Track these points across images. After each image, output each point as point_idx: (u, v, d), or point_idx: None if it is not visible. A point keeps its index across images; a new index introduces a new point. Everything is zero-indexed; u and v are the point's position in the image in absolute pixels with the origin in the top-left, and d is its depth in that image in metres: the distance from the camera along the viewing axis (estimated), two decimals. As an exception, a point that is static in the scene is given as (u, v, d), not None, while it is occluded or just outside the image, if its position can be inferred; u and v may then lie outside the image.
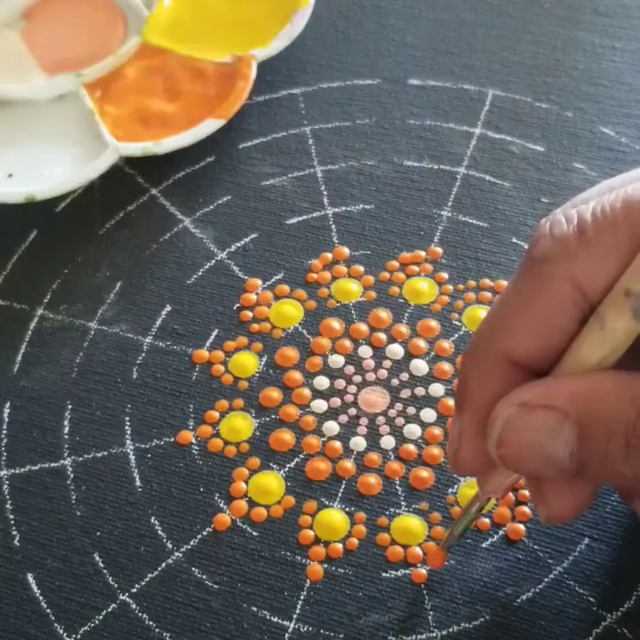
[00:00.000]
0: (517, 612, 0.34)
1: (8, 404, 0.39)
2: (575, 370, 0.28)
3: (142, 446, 0.38)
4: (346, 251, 0.43)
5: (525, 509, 0.35)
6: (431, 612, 0.34)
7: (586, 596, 0.34)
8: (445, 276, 0.42)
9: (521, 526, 0.35)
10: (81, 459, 0.38)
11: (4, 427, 0.39)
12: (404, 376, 0.39)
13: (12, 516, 0.37)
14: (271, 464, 0.37)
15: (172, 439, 0.38)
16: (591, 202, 0.28)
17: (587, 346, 0.27)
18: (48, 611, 0.35)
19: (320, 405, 0.38)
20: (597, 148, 0.45)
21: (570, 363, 0.28)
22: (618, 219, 0.27)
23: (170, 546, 0.36)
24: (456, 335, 0.40)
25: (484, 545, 0.35)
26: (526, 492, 0.36)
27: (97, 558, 0.35)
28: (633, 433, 0.26)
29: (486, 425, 0.28)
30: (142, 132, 0.47)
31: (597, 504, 0.35)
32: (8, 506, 0.37)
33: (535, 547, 0.35)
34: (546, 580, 0.34)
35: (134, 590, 0.35)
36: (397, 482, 0.37)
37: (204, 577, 0.35)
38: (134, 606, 0.34)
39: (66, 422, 0.39)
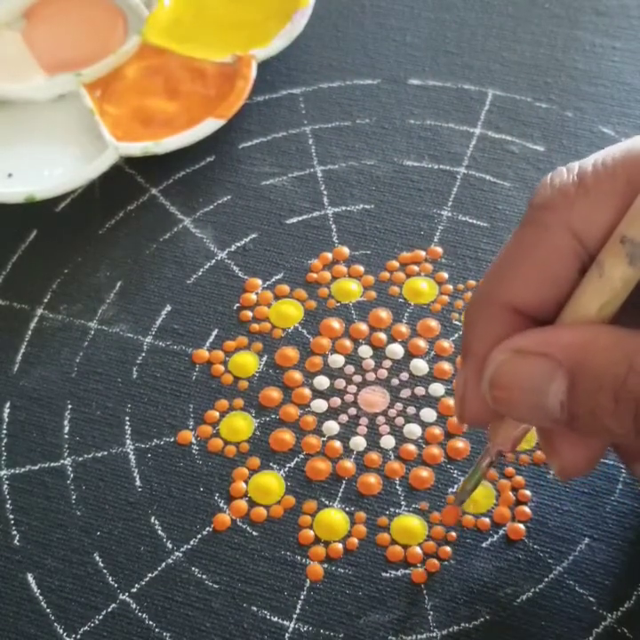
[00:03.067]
0: (517, 611, 0.34)
1: (8, 404, 0.39)
2: (575, 319, 0.28)
3: (142, 446, 0.38)
4: (346, 250, 0.43)
5: (525, 509, 0.35)
6: (431, 612, 0.34)
7: (586, 595, 0.34)
8: (445, 275, 0.42)
9: (521, 526, 0.35)
10: (81, 458, 0.38)
11: (4, 426, 0.39)
12: (404, 376, 0.39)
13: (11, 516, 0.37)
14: (271, 464, 0.37)
15: (172, 439, 0.38)
16: (594, 155, 0.29)
17: (586, 294, 0.28)
18: (48, 610, 0.35)
19: (320, 405, 0.38)
20: (597, 148, 0.44)
21: (570, 312, 0.28)
22: (617, 167, 0.28)
23: (170, 546, 0.36)
24: (456, 335, 0.40)
25: (483, 545, 0.35)
26: (527, 492, 0.36)
27: (97, 558, 0.35)
28: (622, 388, 0.26)
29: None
30: (142, 132, 0.47)
31: (597, 504, 0.35)
32: (8, 506, 0.37)
33: (535, 546, 0.35)
34: (546, 579, 0.34)
35: (134, 590, 0.35)
36: (397, 481, 0.37)
37: (203, 577, 0.35)
38: (134, 606, 0.34)
39: (66, 422, 0.39)
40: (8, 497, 0.37)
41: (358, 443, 0.38)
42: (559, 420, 0.27)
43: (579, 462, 0.30)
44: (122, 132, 0.47)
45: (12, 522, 0.36)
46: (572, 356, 0.27)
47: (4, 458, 0.38)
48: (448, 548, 0.35)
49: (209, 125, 0.46)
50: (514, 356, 0.28)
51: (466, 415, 0.31)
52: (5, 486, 0.37)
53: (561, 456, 0.30)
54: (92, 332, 0.41)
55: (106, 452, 0.38)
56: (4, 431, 0.39)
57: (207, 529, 0.36)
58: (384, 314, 0.41)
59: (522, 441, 0.31)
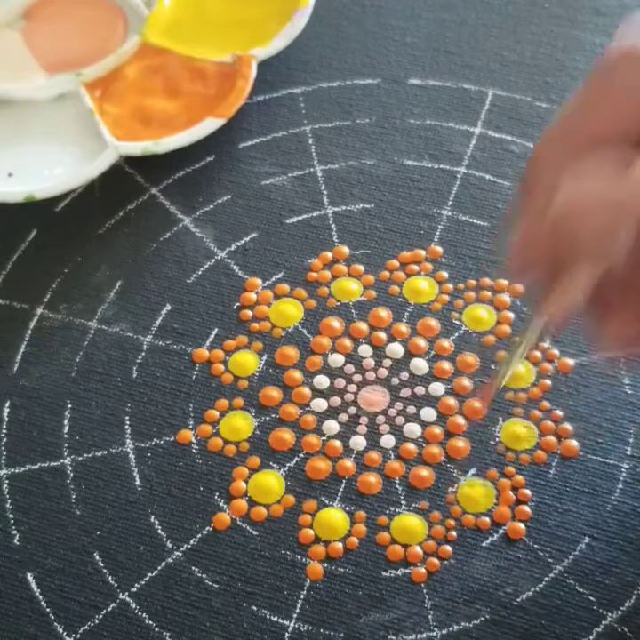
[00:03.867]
0: (518, 611, 0.33)
1: (8, 403, 0.39)
2: None
3: (142, 445, 0.38)
4: (346, 250, 0.43)
5: (525, 508, 0.35)
6: (431, 612, 0.34)
7: (586, 595, 0.34)
8: (445, 274, 0.42)
9: (521, 525, 0.35)
10: (81, 458, 0.38)
11: (4, 426, 0.39)
12: (404, 375, 0.39)
13: (11, 516, 0.37)
14: (271, 463, 0.37)
15: (172, 438, 0.38)
16: None
17: None
18: (48, 610, 0.35)
19: (320, 404, 0.38)
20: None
21: None
22: None
23: (170, 545, 0.36)
24: (456, 334, 0.40)
25: (484, 544, 0.35)
26: (527, 491, 0.36)
27: (97, 557, 0.35)
28: None
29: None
30: (142, 132, 0.47)
31: (597, 503, 0.35)
32: (8, 505, 0.37)
33: (535, 546, 0.35)
34: (546, 579, 0.34)
35: (134, 589, 0.35)
36: (397, 481, 0.37)
37: (203, 576, 0.35)
38: (134, 605, 0.34)
39: (66, 421, 0.39)
40: (8, 496, 0.37)
41: (358, 442, 0.37)
42: (619, 263, 0.27)
43: (628, 331, 0.29)
44: (122, 131, 0.47)
45: (12, 521, 0.36)
46: None
47: (3, 457, 0.38)
48: (448, 548, 0.35)
49: (209, 125, 0.46)
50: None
51: (523, 261, 0.29)
52: (5, 486, 0.37)
53: (611, 323, 0.29)
54: (92, 332, 0.41)
55: (106, 452, 0.38)
56: (4, 430, 0.39)
57: (207, 528, 0.36)
58: (384, 313, 0.41)
59: (567, 316, 0.29)
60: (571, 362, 0.39)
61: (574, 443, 0.37)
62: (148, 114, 0.48)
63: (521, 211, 0.29)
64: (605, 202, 0.27)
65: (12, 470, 0.38)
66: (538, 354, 0.39)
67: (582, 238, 0.27)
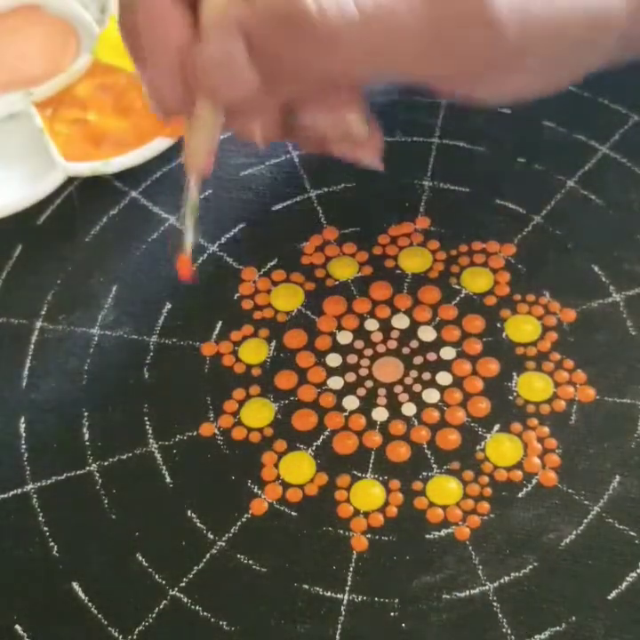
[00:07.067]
0: (563, 554, 0.34)
1: (22, 419, 0.39)
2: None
3: (166, 443, 0.38)
4: (335, 230, 0.43)
5: (554, 456, 0.36)
6: (480, 567, 0.34)
7: (627, 530, 0.35)
8: (437, 243, 0.42)
9: (552, 473, 0.36)
10: (106, 463, 0.38)
11: (23, 442, 0.38)
12: (414, 344, 0.40)
13: (46, 528, 0.36)
14: (298, 444, 0.37)
15: (195, 432, 0.38)
16: None
17: None
18: (99, 616, 0.34)
19: (336, 382, 0.39)
20: (564, 103, 0.46)
21: None
22: None
23: (211, 536, 0.36)
24: (457, 298, 0.41)
25: (519, 495, 0.36)
26: (552, 440, 0.36)
27: (140, 558, 0.35)
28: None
29: (168, 59, 0.31)
30: (92, 152, 0.47)
31: (622, 442, 0.36)
32: (40, 519, 0.36)
33: (570, 490, 0.36)
34: (585, 520, 0.35)
35: (183, 584, 0.35)
36: (425, 446, 0.37)
37: (250, 562, 0.35)
38: (186, 600, 0.34)
39: (85, 429, 0.38)
40: (39, 510, 0.37)
41: (380, 414, 0.38)
42: (254, 81, 0.30)
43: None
44: (72, 151, 0.46)
45: (48, 534, 0.36)
46: (239, 17, 0.29)
47: (28, 473, 0.38)
48: (486, 503, 0.35)
49: (159, 144, 0.46)
50: (201, 44, 0.30)
51: (166, 106, 0.33)
52: (34, 500, 0.37)
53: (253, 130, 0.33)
54: (96, 339, 0.41)
55: (130, 454, 0.38)
56: (23, 446, 0.38)
57: (245, 516, 0.36)
58: (384, 286, 0.41)
59: (212, 155, 0.34)
60: (573, 311, 0.40)
61: (590, 388, 0.38)
62: (98, 133, 0.47)
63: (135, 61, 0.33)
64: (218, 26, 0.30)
65: (39, 484, 0.37)
66: (540, 308, 0.40)
67: (200, 75, 0.31)
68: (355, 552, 0.35)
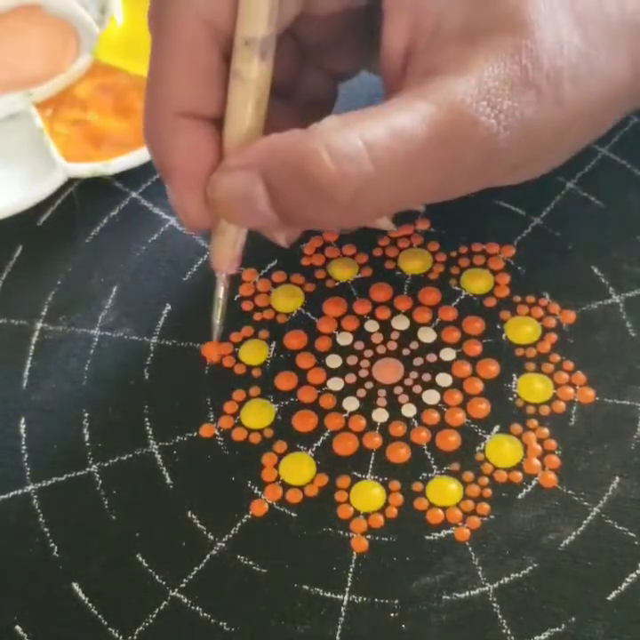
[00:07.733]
0: (563, 555, 0.34)
1: (22, 420, 0.39)
2: (236, 123, 0.32)
3: (166, 444, 0.38)
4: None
5: (553, 457, 0.36)
6: (480, 568, 0.34)
7: (626, 531, 0.35)
8: (437, 244, 0.42)
9: (552, 474, 0.36)
10: (106, 464, 0.38)
11: (23, 442, 0.38)
12: (414, 345, 0.40)
13: (46, 529, 0.36)
14: (298, 445, 0.37)
15: (195, 433, 0.38)
16: None
17: (238, 102, 0.31)
18: (99, 616, 0.34)
19: (336, 383, 0.39)
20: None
21: (231, 122, 0.32)
22: None
23: (211, 537, 0.36)
24: (457, 300, 0.41)
25: (519, 496, 0.36)
26: (552, 441, 0.36)
27: (140, 559, 0.35)
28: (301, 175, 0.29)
29: (192, 181, 0.32)
30: (93, 153, 0.47)
31: (622, 443, 0.36)
32: (40, 519, 0.37)
33: (569, 491, 0.36)
34: (585, 521, 0.35)
35: (183, 585, 0.35)
36: (425, 447, 0.37)
37: (250, 563, 0.35)
38: (186, 601, 0.34)
39: (85, 430, 0.38)
40: (39, 511, 0.37)
41: (380, 415, 0.38)
42: (273, 218, 0.30)
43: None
44: (72, 151, 0.46)
45: (48, 534, 0.36)
46: (260, 159, 0.30)
47: (28, 474, 0.38)
48: (485, 504, 0.35)
49: None
50: (221, 175, 0.31)
51: (191, 223, 0.33)
52: (34, 501, 0.37)
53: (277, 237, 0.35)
54: (97, 340, 0.41)
55: (131, 455, 0.38)
56: (23, 447, 0.38)
57: (246, 516, 0.36)
58: (384, 288, 0.41)
59: (238, 258, 0.35)
60: (572, 313, 0.40)
61: (589, 389, 0.38)
62: (98, 134, 0.48)
63: (170, 184, 0.33)
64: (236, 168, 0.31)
65: (39, 485, 0.37)
66: (540, 310, 0.40)
67: (219, 205, 0.32)
68: (355, 553, 0.35)
